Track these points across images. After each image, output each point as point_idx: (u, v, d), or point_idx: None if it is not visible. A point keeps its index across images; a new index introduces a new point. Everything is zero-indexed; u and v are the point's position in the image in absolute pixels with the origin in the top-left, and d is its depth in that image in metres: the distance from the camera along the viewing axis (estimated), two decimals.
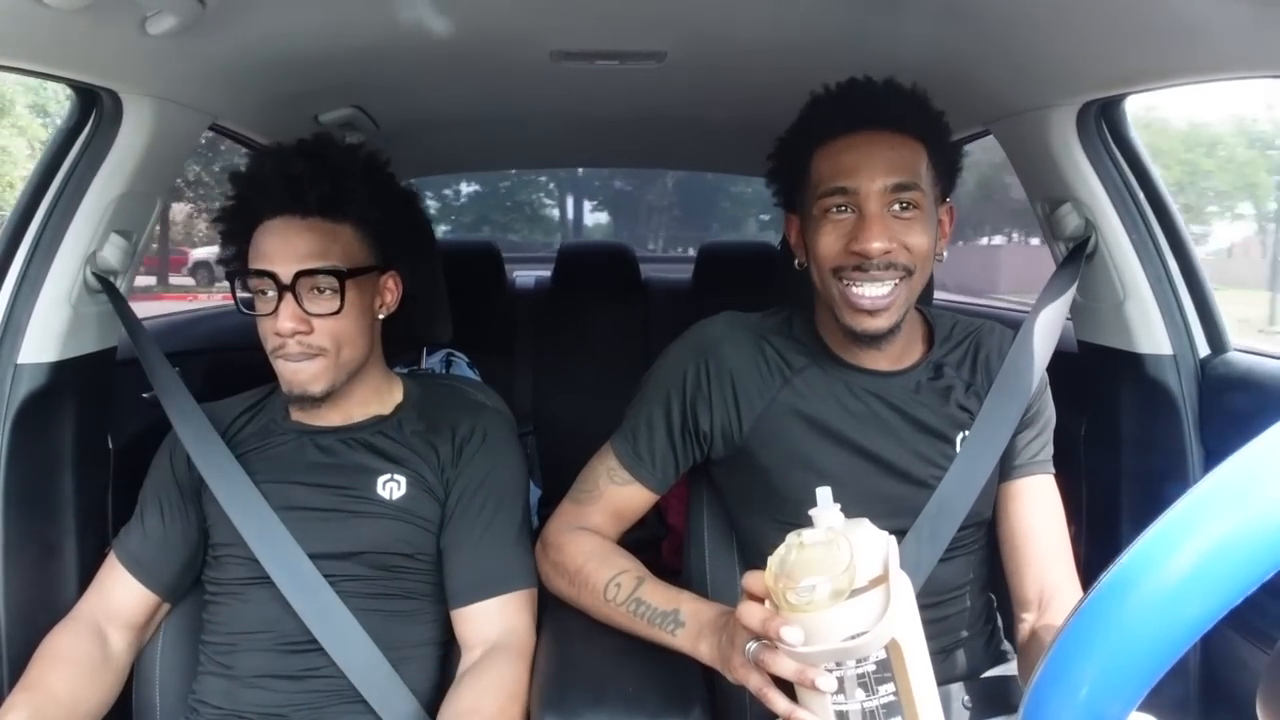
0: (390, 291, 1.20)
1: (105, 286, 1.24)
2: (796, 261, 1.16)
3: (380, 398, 1.23)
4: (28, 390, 1.17)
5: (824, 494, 0.76)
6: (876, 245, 1.02)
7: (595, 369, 2.49)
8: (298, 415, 1.21)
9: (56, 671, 1.09)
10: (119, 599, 1.17)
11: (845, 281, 1.05)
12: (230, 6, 1.09)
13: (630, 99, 1.80)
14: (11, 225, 1.22)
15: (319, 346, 1.11)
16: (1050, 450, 1.19)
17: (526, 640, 1.12)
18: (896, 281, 1.05)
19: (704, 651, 0.97)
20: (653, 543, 1.96)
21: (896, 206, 1.05)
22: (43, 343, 1.18)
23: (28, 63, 1.05)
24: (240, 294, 1.16)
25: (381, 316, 1.20)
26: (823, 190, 1.06)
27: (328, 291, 1.10)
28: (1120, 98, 1.32)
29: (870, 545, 0.74)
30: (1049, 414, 1.20)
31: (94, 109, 1.20)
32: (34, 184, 1.22)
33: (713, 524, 1.24)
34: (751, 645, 0.83)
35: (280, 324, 1.08)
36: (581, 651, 1.07)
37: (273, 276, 1.09)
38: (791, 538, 0.76)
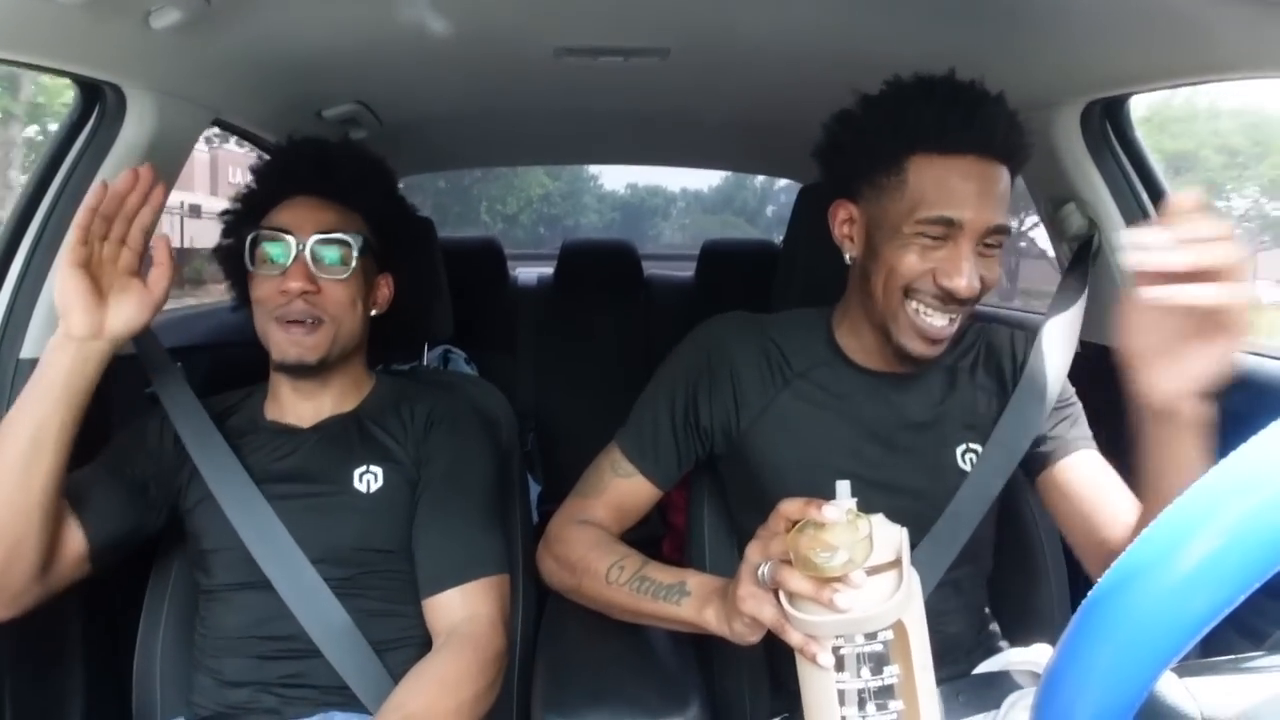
0: (383, 292, 1.26)
1: None
2: (848, 256, 1.10)
3: (357, 392, 1.26)
4: None
5: (843, 487, 0.78)
6: (966, 285, 0.99)
7: (597, 366, 2.50)
8: (273, 414, 1.22)
9: None
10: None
11: (917, 306, 1.02)
12: (234, 1, 1.09)
13: (634, 95, 1.80)
14: (14, 220, 1.22)
15: (323, 310, 1.14)
16: (1089, 433, 1.14)
17: (484, 629, 1.10)
18: (961, 315, 1.04)
19: (710, 617, 0.95)
20: (653, 540, 1.96)
21: (983, 245, 1.02)
22: (44, 338, 1.17)
23: (31, 56, 1.05)
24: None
25: (373, 314, 1.24)
26: (925, 216, 0.99)
27: (339, 264, 1.16)
28: (1124, 97, 1.32)
29: (885, 532, 0.77)
30: (1078, 404, 1.16)
31: (97, 103, 1.20)
32: (37, 179, 1.23)
33: (713, 523, 1.25)
34: (765, 566, 0.81)
35: (289, 282, 1.12)
36: (581, 651, 1.07)
37: (290, 233, 1.14)
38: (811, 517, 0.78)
